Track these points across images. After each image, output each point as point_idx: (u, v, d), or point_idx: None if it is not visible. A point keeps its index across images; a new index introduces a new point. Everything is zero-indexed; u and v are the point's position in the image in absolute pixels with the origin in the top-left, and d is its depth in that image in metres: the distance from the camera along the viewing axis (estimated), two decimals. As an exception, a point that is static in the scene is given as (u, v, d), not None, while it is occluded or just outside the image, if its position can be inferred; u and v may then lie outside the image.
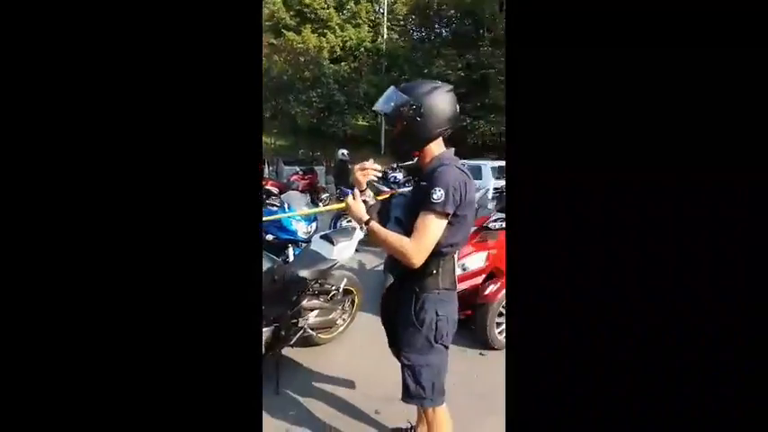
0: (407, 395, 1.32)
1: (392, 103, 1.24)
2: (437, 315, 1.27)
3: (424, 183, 1.21)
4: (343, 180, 7.07)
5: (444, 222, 1.19)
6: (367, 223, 1.23)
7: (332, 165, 10.14)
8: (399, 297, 1.34)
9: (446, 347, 1.33)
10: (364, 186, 1.30)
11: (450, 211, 1.17)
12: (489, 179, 7.75)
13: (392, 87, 1.28)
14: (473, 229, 2.78)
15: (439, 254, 1.23)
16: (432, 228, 1.17)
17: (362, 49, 16.24)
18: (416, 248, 1.16)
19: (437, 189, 1.15)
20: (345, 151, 7.66)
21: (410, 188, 1.46)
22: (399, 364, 1.35)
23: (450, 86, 1.28)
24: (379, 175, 1.34)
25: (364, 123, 15.47)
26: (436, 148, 1.28)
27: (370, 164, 1.30)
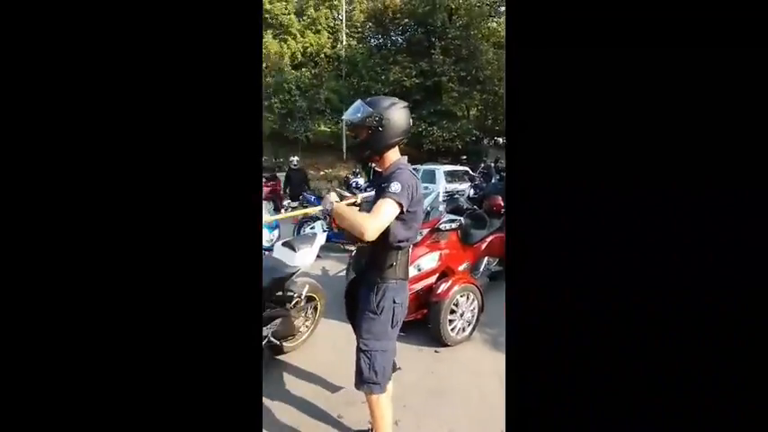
0: (361, 380, 1.40)
1: (359, 114, 1.38)
2: (394, 302, 1.39)
3: (384, 184, 1.34)
4: (294, 187, 6.81)
5: (397, 209, 1.29)
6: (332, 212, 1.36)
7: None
8: (361, 288, 1.46)
9: (396, 336, 1.45)
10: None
11: (405, 202, 1.29)
12: (441, 183, 7.75)
13: (359, 100, 1.44)
14: (426, 230, 2.86)
15: (397, 247, 1.38)
16: (386, 209, 1.27)
17: (323, 55, 15.97)
18: (371, 224, 1.25)
19: (395, 182, 1.30)
20: (296, 158, 7.46)
21: (373, 193, 1.58)
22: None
23: (406, 103, 1.44)
24: (355, 200, 1.48)
25: (326, 129, 15.24)
26: (393, 155, 1.43)
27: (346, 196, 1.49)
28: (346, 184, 6.42)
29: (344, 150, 13.98)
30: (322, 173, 11.54)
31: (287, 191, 6.86)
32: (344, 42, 16.33)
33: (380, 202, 1.28)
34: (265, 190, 7.35)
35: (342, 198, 1.55)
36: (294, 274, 2.29)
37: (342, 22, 16.58)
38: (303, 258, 2.32)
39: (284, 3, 15.48)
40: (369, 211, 1.36)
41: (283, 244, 2.40)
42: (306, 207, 5.24)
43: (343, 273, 3.75)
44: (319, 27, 16.45)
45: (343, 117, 1.47)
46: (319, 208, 1.67)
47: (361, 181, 6.39)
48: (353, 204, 1.66)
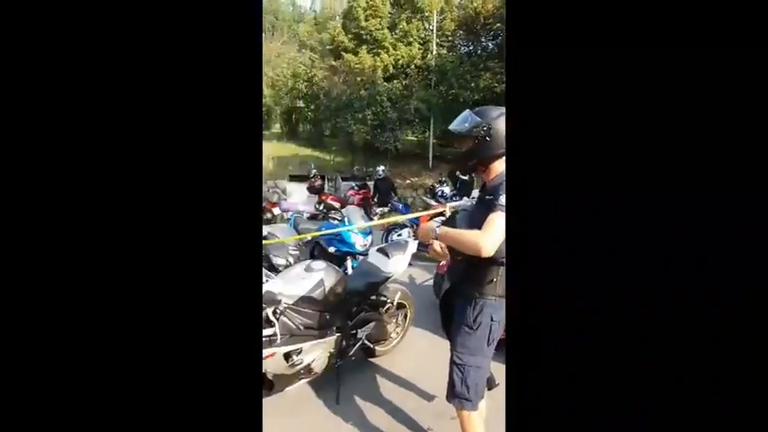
0: (452, 394, 1.36)
1: (466, 124, 1.35)
2: (492, 320, 1.33)
3: (490, 196, 1.27)
4: (383, 195, 6.96)
5: None
6: (436, 237, 1.32)
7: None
8: (458, 301, 1.41)
9: (492, 354, 1.40)
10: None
11: None
12: None
13: (467, 110, 1.40)
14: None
15: (500, 263, 1.30)
16: (500, 223, 1.20)
17: (413, 66, 16.25)
18: (487, 241, 1.20)
19: (504, 195, 1.22)
20: (382, 168, 7.62)
21: (460, 202, 1.54)
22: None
23: None
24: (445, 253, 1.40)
25: (413, 138, 15.41)
26: (500, 165, 1.36)
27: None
28: (431, 193, 6.39)
29: (430, 159, 13.96)
30: (408, 181, 11.70)
31: (375, 199, 7.10)
32: (434, 52, 16.41)
33: (492, 216, 1.22)
34: (357, 198, 7.74)
35: (428, 207, 1.53)
36: (387, 279, 2.35)
37: (433, 33, 16.69)
38: (396, 265, 2.37)
39: (378, 19, 16.18)
40: (471, 222, 1.33)
41: (378, 250, 2.49)
42: (393, 215, 5.34)
43: (430, 282, 3.73)
44: (410, 39, 16.80)
45: (450, 127, 1.44)
46: (406, 216, 1.68)
47: (447, 190, 6.28)
48: (441, 214, 1.64)
